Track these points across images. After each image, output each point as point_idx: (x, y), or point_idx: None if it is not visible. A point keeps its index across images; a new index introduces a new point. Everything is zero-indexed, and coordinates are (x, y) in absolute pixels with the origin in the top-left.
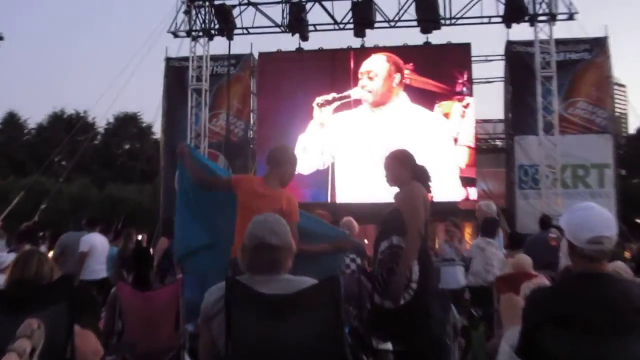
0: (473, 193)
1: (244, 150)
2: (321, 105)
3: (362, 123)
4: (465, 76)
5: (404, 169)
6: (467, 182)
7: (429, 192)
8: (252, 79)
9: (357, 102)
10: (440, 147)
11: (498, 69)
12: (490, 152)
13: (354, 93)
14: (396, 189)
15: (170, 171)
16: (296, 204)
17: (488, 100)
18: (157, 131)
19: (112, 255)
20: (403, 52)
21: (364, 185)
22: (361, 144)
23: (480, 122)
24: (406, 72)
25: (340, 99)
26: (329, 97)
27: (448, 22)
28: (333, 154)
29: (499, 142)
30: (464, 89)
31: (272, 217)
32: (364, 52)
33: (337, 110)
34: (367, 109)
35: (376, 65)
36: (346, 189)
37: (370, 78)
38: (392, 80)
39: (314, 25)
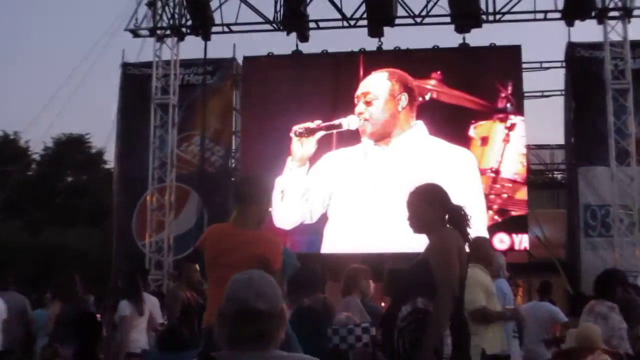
0: (524, 241)
1: (223, 185)
2: (300, 135)
3: (359, 163)
4: (510, 88)
5: (434, 210)
6: (514, 226)
7: (467, 240)
8: (235, 92)
9: (352, 134)
10: (471, 190)
11: (556, 79)
12: (547, 188)
13: (347, 122)
14: (421, 237)
15: (126, 211)
16: (279, 248)
17: (543, 119)
18: (110, 159)
19: (41, 321)
20: (431, 57)
21: (368, 235)
22: (359, 191)
23: (533, 149)
24: (431, 82)
25: (328, 128)
26: (313, 124)
27: (491, 18)
28: (324, 202)
29: (557, 175)
30: (508, 105)
31: (257, 275)
32: (380, 57)
33: (323, 141)
34: (367, 144)
35: (375, 85)
36: (341, 239)
37: (368, 102)
38: (397, 103)
39: (316, 21)
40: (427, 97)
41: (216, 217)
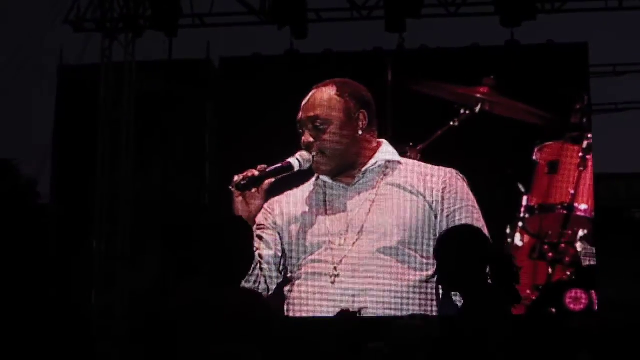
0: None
1: (194, 228)
2: (243, 188)
3: (317, 211)
4: (586, 99)
5: (469, 263)
6: (580, 280)
7: (517, 301)
8: (210, 103)
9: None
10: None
11: (634, 87)
12: (620, 232)
13: (299, 160)
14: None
15: (64, 261)
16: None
17: (617, 140)
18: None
19: None
20: (473, 59)
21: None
22: (323, 249)
23: (605, 179)
24: (482, 90)
25: (277, 172)
26: (256, 171)
27: (548, 7)
28: (281, 269)
29: (634, 213)
30: (584, 120)
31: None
32: (402, 58)
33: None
34: (323, 182)
35: (323, 106)
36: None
37: (319, 129)
38: (357, 125)
39: (317, 11)
40: (477, 109)
41: (185, 270)
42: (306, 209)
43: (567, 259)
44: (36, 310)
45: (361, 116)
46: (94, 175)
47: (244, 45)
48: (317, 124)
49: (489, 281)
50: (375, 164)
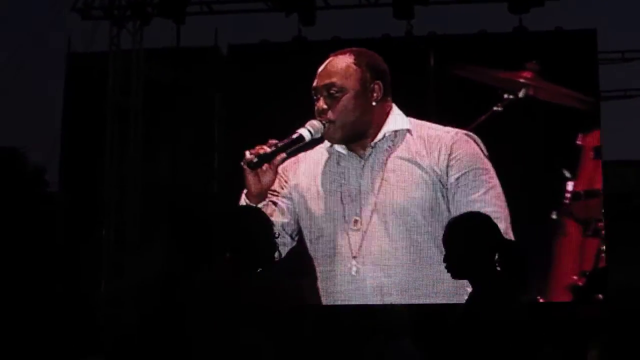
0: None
1: (204, 216)
2: (255, 166)
3: (330, 177)
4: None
5: (478, 251)
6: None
7: (525, 289)
8: (218, 91)
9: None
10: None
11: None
12: (630, 219)
13: (310, 131)
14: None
15: (73, 249)
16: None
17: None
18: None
19: None
20: (516, 43)
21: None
22: (337, 219)
23: (613, 166)
24: (525, 75)
25: (288, 146)
26: (267, 147)
27: None
28: (293, 235)
29: None
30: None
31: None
32: (410, 46)
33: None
34: (336, 150)
35: (340, 74)
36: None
37: (334, 97)
38: (371, 95)
39: None
40: (521, 93)
41: (193, 262)
42: (320, 181)
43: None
44: (44, 299)
45: (376, 87)
46: (102, 164)
47: (251, 32)
48: (332, 91)
49: (498, 269)
50: (383, 137)
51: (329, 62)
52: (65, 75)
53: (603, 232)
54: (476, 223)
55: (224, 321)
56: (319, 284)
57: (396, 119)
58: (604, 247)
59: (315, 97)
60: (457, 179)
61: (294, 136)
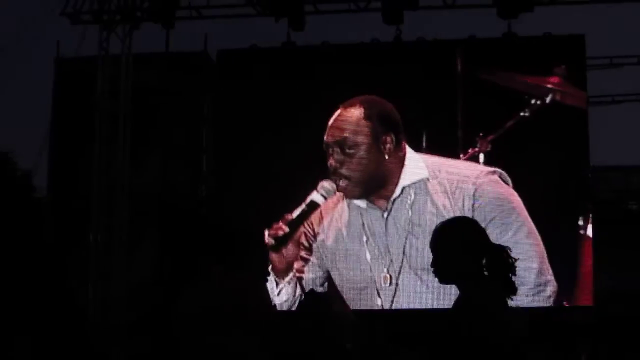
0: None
1: (191, 220)
2: (278, 246)
3: (356, 233)
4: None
5: (468, 253)
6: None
7: (513, 293)
8: (207, 96)
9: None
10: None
11: (631, 79)
12: (617, 224)
13: (322, 194)
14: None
15: (60, 254)
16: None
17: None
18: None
19: None
20: (544, 48)
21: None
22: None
23: (602, 171)
24: (553, 81)
25: (304, 216)
26: (283, 225)
27: None
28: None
29: (632, 205)
30: None
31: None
32: (399, 51)
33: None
34: (357, 204)
35: (351, 128)
36: None
37: (347, 153)
38: (384, 148)
39: (314, 3)
40: (548, 99)
41: (181, 265)
42: (345, 237)
43: None
44: (33, 303)
45: (388, 139)
46: (91, 168)
47: (241, 37)
48: (344, 148)
49: (485, 273)
50: (402, 191)
51: (338, 116)
52: (54, 80)
53: None
54: (463, 228)
55: (212, 327)
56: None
57: (413, 169)
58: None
59: (326, 151)
60: (486, 226)
61: (307, 204)
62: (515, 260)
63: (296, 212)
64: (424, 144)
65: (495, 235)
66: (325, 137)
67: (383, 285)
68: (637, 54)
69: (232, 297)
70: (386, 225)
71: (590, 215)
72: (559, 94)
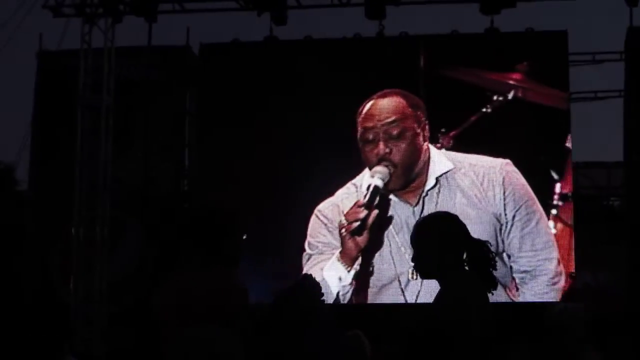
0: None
1: (173, 214)
2: (358, 231)
3: (385, 231)
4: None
5: (448, 248)
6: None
7: (493, 287)
8: (189, 90)
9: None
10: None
11: (613, 75)
12: (599, 220)
13: (379, 179)
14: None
15: (43, 248)
16: (244, 296)
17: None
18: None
19: None
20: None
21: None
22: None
23: (582, 168)
24: (514, 77)
25: (372, 201)
26: (359, 212)
27: None
28: None
29: (615, 202)
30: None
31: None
32: (382, 45)
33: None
34: (395, 208)
35: (398, 112)
36: None
37: (394, 139)
38: (423, 135)
39: None
40: (510, 95)
41: (163, 257)
42: (376, 231)
43: None
44: (15, 297)
45: (426, 127)
46: (73, 161)
47: (223, 32)
48: (394, 132)
49: (466, 267)
50: (436, 184)
51: (377, 102)
52: (37, 73)
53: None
54: (444, 223)
55: (194, 323)
56: None
57: (438, 161)
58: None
59: (370, 137)
60: (513, 215)
61: (372, 190)
62: (495, 254)
63: (363, 199)
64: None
65: (521, 224)
66: (366, 123)
67: (410, 279)
68: (619, 50)
69: (212, 289)
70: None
71: (554, 212)
72: (521, 91)
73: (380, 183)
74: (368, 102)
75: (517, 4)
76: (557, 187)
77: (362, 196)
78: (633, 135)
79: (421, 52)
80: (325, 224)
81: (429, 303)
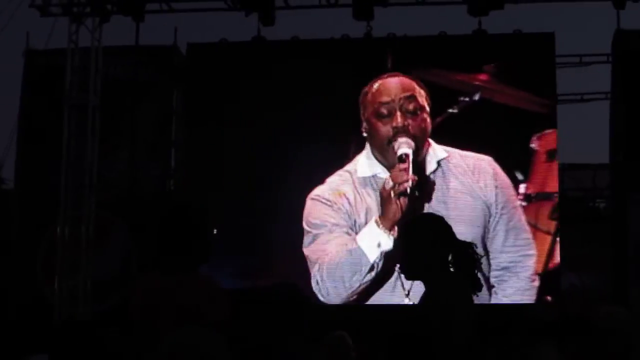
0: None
1: (159, 213)
2: (410, 193)
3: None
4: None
5: (433, 250)
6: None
7: (478, 289)
8: (176, 90)
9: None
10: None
11: (600, 77)
12: (585, 221)
13: (407, 148)
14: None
15: (29, 247)
16: (221, 295)
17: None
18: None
19: None
20: (475, 46)
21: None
22: None
23: (568, 170)
24: (481, 78)
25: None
26: (407, 178)
27: None
28: None
29: (600, 204)
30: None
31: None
32: (370, 46)
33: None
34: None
35: (416, 89)
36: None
37: (414, 113)
38: (429, 118)
39: None
40: (477, 96)
41: (149, 257)
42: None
43: None
44: None
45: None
46: (59, 160)
47: (211, 32)
48: (410, 107)
49: (451, 268)
50: (437, 168)
51: (389, 80)
52: (24, 71)
53: (553, 233)
54: (429, 224)
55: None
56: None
57: (437, 145)
58: (555, 249)
59: (385, 111)
60: (502, 207)
61: (410, 158)
62: (481, 256)
63: (403, 164)
64: (351, 153)
65: (508, 217)
66: (381, 99)
67: None
68: (606, 52)
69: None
70: (422, 202)
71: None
72: (488, 92)
73: (411, 152)
74: (375, 82)
75: (505, 6)
76: (522, 188)
77: (399, 164)
78: (619, 137)
79: (388, 53)
80: (330, 206)
81: (415, 305)
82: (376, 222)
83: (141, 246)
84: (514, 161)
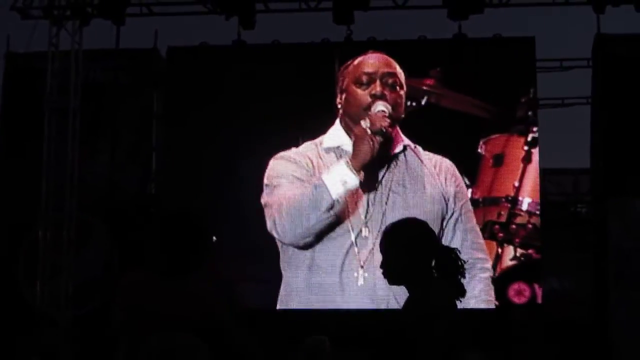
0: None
1: (140, 217)
2: (386, 132)
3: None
4: (532, 92)
5: (416, 255)
6: (524, 274)
7: (461, 294)
8: (156, 93)
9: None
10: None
11: (581, 82)
12: (565, 226)
13: (388, 110)
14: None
15: (8, 250)
16: (222, 305)
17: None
18: None
19: None
20: (418, 52)
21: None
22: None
23: (549, 174)
24: (428, 83)
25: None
26: (384, 118)
27: (495, 0)
28: None
29: (581, 209)
30: (530, 113)
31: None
32: (352, 50)
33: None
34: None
35: (394, 66)
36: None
37: (393, 88)
38: (404, 100)
39: (265, 2)
40: (423, 101)
41: (130, 260)
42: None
43: (517, 240)
44: None
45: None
46: (40, 164)
47: (191, 35)
48: (389, 81)
49: (434, 274)
50: (403, 149)
51: (372, 55)
52: (4, 74)
53: (500, 235)
54: (413, 230)
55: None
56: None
57: (401, 134)
58: (500, 251)
59: (364, 81)
60: (461, 206)
61: (386, 114)
62: (465, 262)
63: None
64: (300, 142)
65: (467, 218)
66: (364, 69)
67: (362, 236)
68: (587, 56)
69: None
70: (379, 181)
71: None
72: (434, 96)
73: (387, 111)
74: (358, 57)
75: (485, 11)
76: (469, 193)
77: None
78: (600, 142)
79: (336, 58)
80: (294, 162)
81: (398, 309)
82: (346, 162)
83: (122, 249)
84: (462, 167)
